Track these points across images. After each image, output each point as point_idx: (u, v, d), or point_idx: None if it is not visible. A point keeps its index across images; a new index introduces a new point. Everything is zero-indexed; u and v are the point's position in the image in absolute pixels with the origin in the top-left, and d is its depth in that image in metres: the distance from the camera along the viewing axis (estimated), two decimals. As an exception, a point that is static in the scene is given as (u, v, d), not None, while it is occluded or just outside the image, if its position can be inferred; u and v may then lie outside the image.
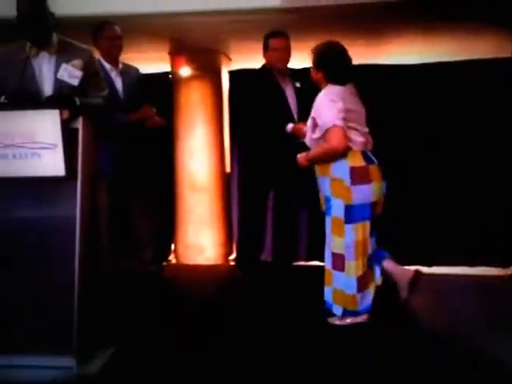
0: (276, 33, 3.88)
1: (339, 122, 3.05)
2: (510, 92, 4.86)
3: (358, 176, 3.12)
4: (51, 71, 2.91)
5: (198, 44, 5.02)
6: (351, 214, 3.14)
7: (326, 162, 3.19)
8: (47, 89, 2.90)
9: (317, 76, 3.26)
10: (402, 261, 4.85)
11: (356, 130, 3.17)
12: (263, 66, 3.99)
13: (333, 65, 3.22)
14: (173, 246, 5.52)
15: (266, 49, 3.92)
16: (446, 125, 4.96)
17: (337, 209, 3.17)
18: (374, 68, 5.10)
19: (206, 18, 4.36)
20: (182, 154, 5.33)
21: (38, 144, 2.58)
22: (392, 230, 4.99)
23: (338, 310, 3.27)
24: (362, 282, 3.22)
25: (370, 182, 3.15)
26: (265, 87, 3.83)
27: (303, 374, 2.69)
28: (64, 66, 2.87)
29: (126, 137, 3.76)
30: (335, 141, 3.06)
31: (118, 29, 3.78)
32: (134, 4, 4.10)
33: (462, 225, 4.92)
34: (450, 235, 4.95)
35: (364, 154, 3.20)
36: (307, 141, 3.32)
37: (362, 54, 5.21)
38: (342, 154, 3.11)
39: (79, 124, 2.65)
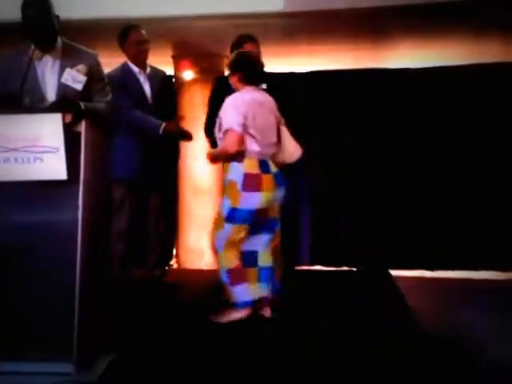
0: (249, 37, 3.79)
1: (236, 127, 3.16)
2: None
3: (250, 183, 3.22)
4: (55, 75, 2.89)
5: (201, 48, 5.04)
6: (234, 216, 3.24)
7: (227, 162, 3.31)
8: (50, 93, 2.88)
9: (233, 80, 3.38)
10: (406, 265, 4.94)
11: (255, 138, 3.25)
12: None
13: (246, 67, 3.34)
14: (174, 251, 5.51)
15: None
16: (454, 128, 4.96)
17: (224, 207, 3.29)
18: (377, 72, 5.11)
19: (210, 22, 4.39)
20: (185, 157, 5.32)
21: (40, 148, 2.57)
22: (394, 235, 5.03)
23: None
24: (236, 276, 3.29)
25: (261, 190, 3.23)
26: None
27: (306, 378, 2.67)
28: (68, 70, 2.86)
29: (155, 141, 3.78)
30: (228, 143, 3.19)
31: (144, 33, 3.79)
32: (138, 8, 4.11)
33: (464, 229, 4.92)
34: (452, 239, 4.94)
35: (261, 163, 3.27)
36: (217, 139, 3.44)
37: (364, 58, 5.25)
38: (234, 156, 3.22)
39: (82, 128, 2.64)
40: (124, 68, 3.77)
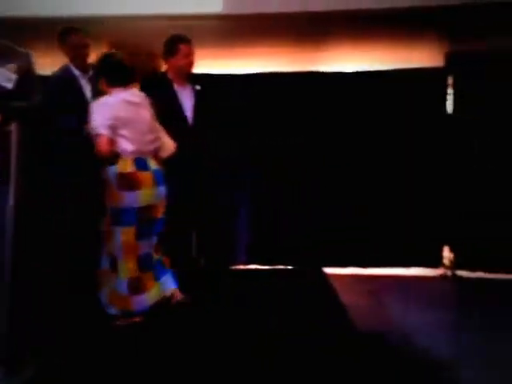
0: (185, 38, 3.84)
1: (103, 130, 3.22)
2: (442, 100, 5.08)
3: (124, 182, 3.27)
4: None
5: (137, 48, 4.99)
6: (118, 217, 3.30)
7: (105, 164, 3.34)
8: None
9: (101, 85, 3.44)
10: (339, 263, 5.07)
11: (126, 137, 3.31)
12: (164, 73, 4.00)
13: (108, 71, 3.40)
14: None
15: (172, 53, 3.86)
16: (382, 131, 5.14)
17: (108, 211, 3.34)
18: (313, 75, 5.23)
19: (146, 22, 4.36)
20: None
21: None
22: (329, 235, 5.17)
23: (112, 310, 3.35)
24: (135, 285, 3.33)
25: (138, 188, 3.29)
26: (159, 91, 3.81)
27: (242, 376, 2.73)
28: None
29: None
30: (98, 146, 3.24)
31: (83, 36, 3.74)
32: (72, 7, 4.06)
33: (395, 227, 5.10)
34: (383, 237, 5.12)
35: (137, 161, 3.33)
36: None
37: (302, 61, 5.32)
38: (108, 158, 3.27)
39: (13, 127, 2.60)
40: (65, 70, 3.73)
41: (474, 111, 4.93)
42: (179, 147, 3.61)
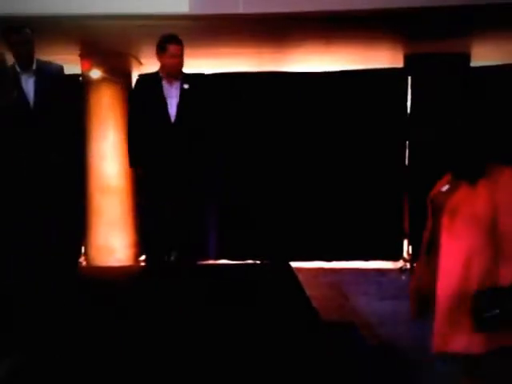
0: (174, 38, 3.88)
1: None
2: (401, 98, 5.28)
3: None
4: None
5: (108, 47, 5.05)
6: None
7: None
8: None
9: None
10: (305, 257, 5.21)
11: None
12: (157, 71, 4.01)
13: None
14: (83, 249, 5.50)
15: (161, 51, 3.90)
16: (345, 129, 5.32)
17: None
18: (278, 75, 5.37)
19: (118, 22, 4.39)
20: (94, 156, 5.33)
21: None
22: (296, 229, 5.31)
23: None
24: None
25: None
26: (148, 87, 3.94)
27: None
28: None
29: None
30: None
31: (27, 33, 3.74)
32: (45, 5, 4.07)
33: (358, 222, 5.29)
34: (346, 232, 5.30)
35: None
36: None
37: (267, 61, 5.45)
38: None
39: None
40: (12, 67, 3.76)
41: (430, 110, 5.12)
42: (160, 143, 3.75)
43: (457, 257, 2.76)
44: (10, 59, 3.68)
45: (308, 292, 4.10)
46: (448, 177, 2.82)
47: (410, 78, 5.29)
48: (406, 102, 5.30)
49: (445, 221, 2.75)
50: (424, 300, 2.79)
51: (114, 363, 2.80)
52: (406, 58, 5.27)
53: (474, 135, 2.68)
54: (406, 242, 5.30)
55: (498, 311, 2.58)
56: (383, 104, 5.26)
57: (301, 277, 4.55)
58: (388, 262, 5.28)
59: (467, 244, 2.74)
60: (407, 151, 5.36)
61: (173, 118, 3.92)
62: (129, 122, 4.04)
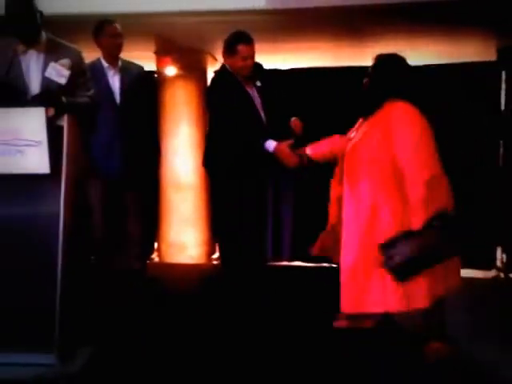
0: (246, 38, 3.49)
1: None
2: (494, 94, 4.96)
3: None
4: (39, 69, 2.90)
5: (184, 44, 5.04)
6: None
7: None
8: (34, 87, 2.89)
9: None
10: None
11: None
12: (223, 68, 3.66)
13: None
14: (156, 245, 5.53)
15: (231, 52, 3.52)
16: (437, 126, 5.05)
17: None
18: (357, 70, 5.17)
19: (193, 18, 4.38)
20: (167, 152, 5.33)
21: (22, 141, 2.58)
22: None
23: None
24: None
25: None
26: (231, 91, 3.55)
27: (287, 375, 2.73)
28: (52, 64, 2.87)
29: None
30: None
31: (118, 26, 3.76)
32: (121, 3, 4.11)
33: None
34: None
35: None
36: None
37: (347, 55, 5.29)
38: None
39: (64, 122, 2.66)
40: (94, 63, 3.76)
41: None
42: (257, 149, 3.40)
43: (360, 210, 2.70)
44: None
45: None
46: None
47: (503, 72, 4.94)
48: (500, 97, 4.96)
49: (346, 167, 2.78)
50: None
51: (179, 358, 2.84)
52: (500, 52, 4.92)
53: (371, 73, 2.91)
54: (499, 250, 4.96)
55: (402, 258, 2.53)
56: (474, 100, 4.95)
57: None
58: (479, 270, 4.96)
59: (370, 195, 2.67)
60: (501, 151, 5.03)
61: (264, 121, 3.60)
62: (216, 130, 3.64)
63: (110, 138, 3.76)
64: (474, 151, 4.97)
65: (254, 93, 3.65)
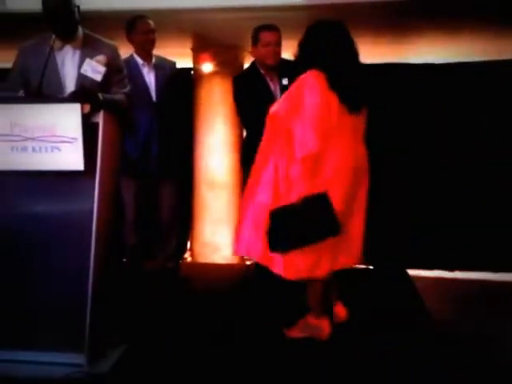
0: (267, 26, 3.52)
1: None
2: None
3: None
4: (75, 65, 2.90)
5: (220, 40, 4.99)
6: None
7: None
8: (69, 83, 2.89)
9: None
10: (420, 265, 4.88)
11: None
12: (253, 64, 3.69)
13: None
14: (189, 244, 5.49)
15: (255, 43, 3.56)
16: (472, 125, 4.89)
17: None
18: (397, 67, 5.05)
19: (230, 14, 4.34)
20: (201, 149, 5.29)
21: (58, 138, 2.57)
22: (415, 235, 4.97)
23: None
24: None
25: None
26: (253, 87, 3.57)
27: (311, 377, 2.67)
28: (88, 60, 2.86)
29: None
30: None
31: (151, 22, 3.77)
32: (157, 0, 4.08)
33: (481, 227, 4.85)
34: (471, 238, 4.87)
35: None
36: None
37: (385, 52, 5.16)
38: None
39: (100, 119, 2.63)
40: (128, 60, 3.75)
41: None
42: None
43: (264, 170, 2.84)
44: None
45: (427, 303, 3.85)
46: None
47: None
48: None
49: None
50: None
51: (207, 359, 2.81)
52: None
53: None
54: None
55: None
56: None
57: (419, 286, 4.30)
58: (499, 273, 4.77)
59: (273, 159, 2.79)
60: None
61: None
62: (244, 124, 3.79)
63: (147, 137, 3.75)
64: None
65: (276, 89, 3.59)
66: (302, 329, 3.06)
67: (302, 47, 2.85)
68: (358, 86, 2.82)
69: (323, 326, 3.01)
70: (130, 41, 3.78)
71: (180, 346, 2.98)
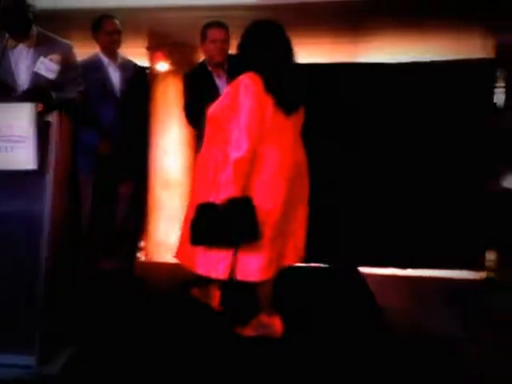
0: (214, 23, 3.52)
1: None
2: (491, 91, 4.94)
3: None
4: (28, 64, 2.86)
5: (176, 39, 4.98)
6: None
7: None
8: (23, 81, 2.85)
9: None
10: (378, 263, 4.98)
11: None
12: (202, 61, 3.70)
13: None
14: (143, 243, 5.45)
15: (203, 39, 3.55)
16: (420, 124, 5.03)
17: None
18: (358, 66, 5.15)
19: (185, 13, 4.34)
20: (156, 149, 5.27)
21: (9, 137, 2.51)
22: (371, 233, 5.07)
23: None
24: None
25: None
26: (199, 85, 3.58)
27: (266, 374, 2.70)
28: (41, 59, 2.83)
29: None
30: None
31: (117, 23, 3.73)
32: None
33: (434, 227, 4.99)
34: (422, 237, 5.00)
35: None
36: None
37: (345, 51, 5.25)
38: None
39: (53, 118, 2.59)
40: (93, 58, 3.71)
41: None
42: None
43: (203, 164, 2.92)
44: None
45: (379, 301, 3.90)
46: None
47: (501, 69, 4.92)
48: (492, 95, 4.94)
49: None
50: None
51: (162, 359, 2.79)
52: (498, 48, 4.88)
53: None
54: (490, 250, 4.94)
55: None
56: (470, 98, 4.92)
57: (372, 284, 4.38)
58: (470, 271, 4.93)
59: (212, 157, 2.84)
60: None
61: None
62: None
63: (109, 135, 3.71)
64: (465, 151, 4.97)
65: (223, 86, 3.56)
66: (256, 328, 3.08)
67: (240, 49, 2.87)
68: (293, 88, 2.84)
69: (275, 325, 3.04)
70: (96, 39, 3.74)
71: (132, 347, 2.94)
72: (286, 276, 3.26)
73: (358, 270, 4.82)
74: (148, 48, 5.21)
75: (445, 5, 4.17)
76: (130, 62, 3.93)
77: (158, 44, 5.13)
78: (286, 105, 2.77)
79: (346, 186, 5.04)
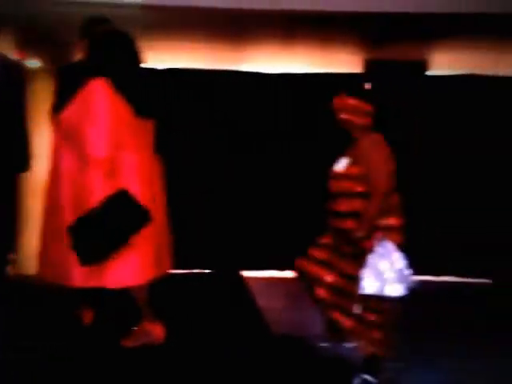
0: (96, 19, 3.40)
1: None
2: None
3: None
4: None
5: (50, 35, 4.70)
6: None
7: None
8: None
9: None
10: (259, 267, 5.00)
11: None
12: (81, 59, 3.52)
13: None
14: (13, 256, 5.05)
15: (83, 36, 3.39)
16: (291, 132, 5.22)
17: None
18: (234, 74, 5.19)
19: (62, 9, 4.10)
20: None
21: None
22: (246, 237, 5.09)
23: None
24: None
25: None
26: (67, 82, 3.32)
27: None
28: None
29: None
30: None
31: None
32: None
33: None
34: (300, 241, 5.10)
35: None
36: None
37: (223, 58, 5.26)
38: None
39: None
40: None
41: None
42: None
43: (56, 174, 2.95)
44: None
45: (259, 303, 4.08)
46: None
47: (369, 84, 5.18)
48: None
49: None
50: None
51: None
52: (367, 64, 5.15)
53: None
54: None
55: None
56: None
57: (253, 287, 4.44)
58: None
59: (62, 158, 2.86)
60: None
61: None
62: None
63: None
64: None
65: None
66: (138, 337, 3.05)
67: (89, 54, 3.00)
68: (141, 92, 2.95)
69: (157, 331, 3.07)
70: None
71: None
72: (167, 282, 3.22)
73: (239, 274, 4.88)
74: (20, 44, 4.86)
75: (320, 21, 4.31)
76: (6, 58, 3.71)
77: (28, 40, 4.80)
78: (135, 108, 2.85)
79: (224, 191, 5.08)
